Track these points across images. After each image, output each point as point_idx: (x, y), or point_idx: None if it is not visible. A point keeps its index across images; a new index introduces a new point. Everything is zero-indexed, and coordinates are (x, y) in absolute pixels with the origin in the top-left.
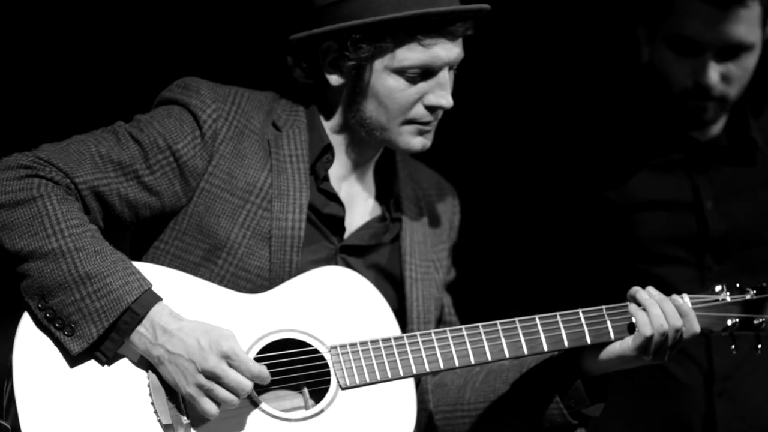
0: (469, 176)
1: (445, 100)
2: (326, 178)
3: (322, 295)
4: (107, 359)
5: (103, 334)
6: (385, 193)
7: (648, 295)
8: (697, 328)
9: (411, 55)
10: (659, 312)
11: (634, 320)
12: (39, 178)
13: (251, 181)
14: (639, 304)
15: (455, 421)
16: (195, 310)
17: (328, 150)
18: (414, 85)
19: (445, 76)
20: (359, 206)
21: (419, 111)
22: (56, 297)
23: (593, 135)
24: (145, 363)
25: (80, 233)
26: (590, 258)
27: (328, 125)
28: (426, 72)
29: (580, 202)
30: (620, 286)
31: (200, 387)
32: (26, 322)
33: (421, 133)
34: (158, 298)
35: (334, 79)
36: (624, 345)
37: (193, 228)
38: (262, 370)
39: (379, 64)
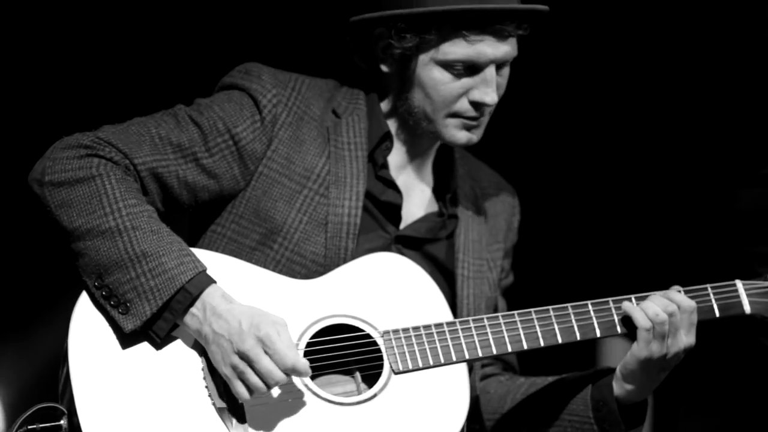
0: (533, 177)
1: (489, 97)
2: (385, 166)
3: (375, 281)
4: (160, 340)
5: (156, 312)
6: (443, 189)
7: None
8: (689, 302)
9: (455, 49)
10: (650, 303)
11: (632, 318)
12: (98, 158)
13: (309, 167)
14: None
15: (494, 430)
16: (249, 296)
17: (387, 137)
18: (459, 80)
19: (492, 73)
20: (416, 197)
21: (464, 105)
22: (112, 275)
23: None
24: (199, 345)
25: (137, 213)
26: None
27: (386, 113)
28: (471, 67)
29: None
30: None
31: (234, 368)
32: (82, 303)
33: (467, 127)
34: (212, 281)
35: (385, 67)
36: (634, 349)
37: (250, 212)
38: (298, 362)
39: (424, 55)
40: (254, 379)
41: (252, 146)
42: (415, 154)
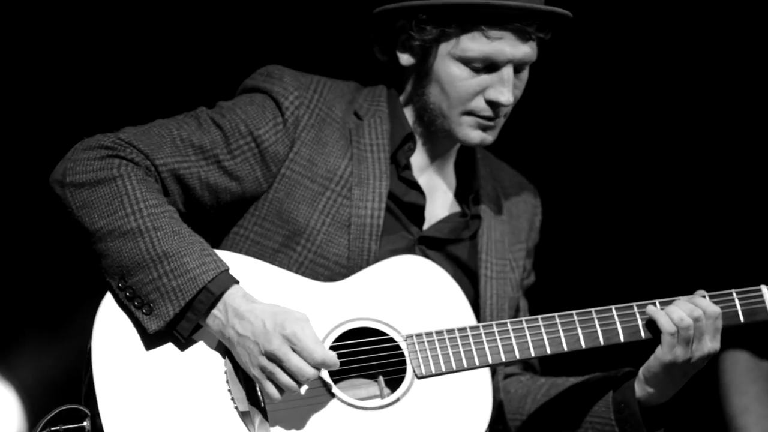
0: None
1: (505, 97)
2: (407, 167)
3: (399, 285)
4: (184, 340)
5: (179, 312)
6: (465, 190)
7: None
8: (714, 308)
9: (474, 45)
10: (675, 307)
11: (657, 323)
12: (119, 159)
13: (332, 169)
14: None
15: (515, 431)
16: (272, 298)
17: (410, 138)
18: (476, 77)
19: (510, 73)
20: (439, 198)
21: (479, 104)
22: (135, 276)
23: None
24: (222, 349)
25: (159, 213)
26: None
27: (408, 113)
28: (490, 65)
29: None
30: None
31: (263, 369)
32: (106, 305)
33: (482, 127)
34: (234, 280)
35: (405, 59)
36: (658, 353)
37: (273, 214)
38: (327, 356)
39: (443, 49)
40: (284, 378)
41: (274, 148)
42: (437, 155)
